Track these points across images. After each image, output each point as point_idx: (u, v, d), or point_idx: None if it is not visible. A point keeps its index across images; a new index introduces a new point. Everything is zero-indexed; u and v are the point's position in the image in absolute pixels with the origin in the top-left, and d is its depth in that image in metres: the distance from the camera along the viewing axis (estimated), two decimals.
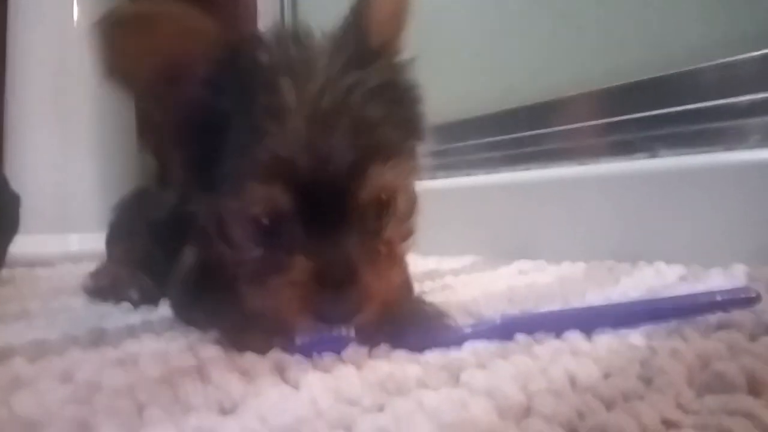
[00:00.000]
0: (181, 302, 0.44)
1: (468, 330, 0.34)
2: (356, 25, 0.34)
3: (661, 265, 0.61)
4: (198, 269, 0.42)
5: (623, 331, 0.33)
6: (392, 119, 0.31)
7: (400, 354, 0.32)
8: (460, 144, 0.97)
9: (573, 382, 0.27)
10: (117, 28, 0.30)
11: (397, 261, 0.34)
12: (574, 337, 0.33)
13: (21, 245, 1.14)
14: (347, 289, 0.29)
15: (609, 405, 0.24)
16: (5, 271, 0.88)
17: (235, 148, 0.30)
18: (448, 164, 0.98)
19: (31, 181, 1.25)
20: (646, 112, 0.73)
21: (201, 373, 0.30)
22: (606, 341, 0.32)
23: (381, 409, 0.24)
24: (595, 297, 0.47)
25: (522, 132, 0.87)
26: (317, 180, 0.29)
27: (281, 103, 0.29)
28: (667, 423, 0.22)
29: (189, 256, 0.44)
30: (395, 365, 0.29)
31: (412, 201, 0.35)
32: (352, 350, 0.32)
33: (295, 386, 0.28)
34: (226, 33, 0.32)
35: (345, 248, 0.30)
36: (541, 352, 0.31)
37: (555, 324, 0.34)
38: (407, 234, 0.35)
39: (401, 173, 0.32)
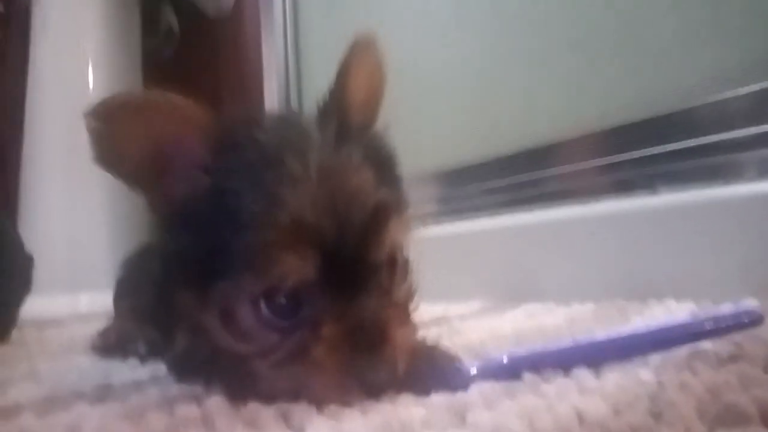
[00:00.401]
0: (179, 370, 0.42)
1: (474, 372, 0.34)
2: (336, 104, 0.35)
3: (672, 303, 0.61)
4: (191, 351, 0.39)
5: (631, 367, 0.33)
6: (386, 182, 0.33)
7: (406, 397, 0.31)
8: (463, 190, 0.98)
9: (581, 418, 0.26)
10: (105, 117, 0.30)
11: (410, 316, 0.34)
12: (582, 373, 0.32)
13: (32, 305, 1.15)
14: (383, 350, 0.29)
15: None
16: (15, 332, 0.89)
17: (246, 226, 0.29)
18: (452, 210, 0.99)
19: (43, 241, 1.27)
20: (645, 150, 0.74)
21: (206, 422, 0.30)
22: (614, 377, 0.31)
23: None
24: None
25: (523, 175, 0.88)
26: (341, 242, 0.29)
27: (290, 174, 0.30)
28: None
29: (180, 341, 0.41)
30: (400, 408, 0.29)
31: (407, 258, 0.36)
32: None
33: (300, 431, 0.27)
34: (218, 117, 0.33)
35: (372, 308, 0.30)
36: (548, 390, 0.30)
37: (562, 358, 0.33)
38: (413, 287, 0.36)
39: (405, 230, 0.33)
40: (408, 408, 0.29)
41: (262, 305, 0.30)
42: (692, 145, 0.69)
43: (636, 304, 0.63)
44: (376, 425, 0.27)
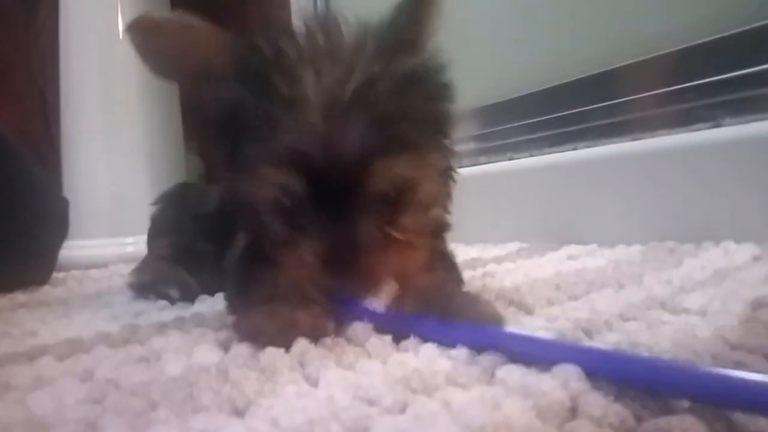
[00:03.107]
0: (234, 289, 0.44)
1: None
2: (399, 18, 0.35)
3: (730, 245, 0.55)
4: (249, 251, 0.42)
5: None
6: (413, 114, 0.32)
7: (430, 348, 0.29)
8: (502, 127, 0.92)
9: None
10: (137, 34, 0.35)
11: (417, 247, 0.34)
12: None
13: (78, 250, 1.19)
14: (351, 269, 0.31)
15: (671, 405, 0.21)
16: (61, 274, 0.92)
17: (255, 138, 0.32)
18: (490, 149, 0.93)
19: (87, 187, 1.30)
20: (707, 78, 0.66)
21: (220, 370, 0.29)
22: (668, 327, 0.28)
23: (402, 409, 0.22)
24: (654, 280, 0.43)
25: (567, 110, 0.82)
26: (326, 172, 0.31)
27: (300, 94, 0.31)
28: None
29: (241, 239, 0.44)
30: (423, 360, 0.27)
31: (436, 192, 0.36)
32: (378, 343, 0.29)
33: (314, 383, 0.26)
34: (238, 35, 0.35)
35: (352, 233, 0.31)
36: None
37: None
38: (431, 222, 0.36)
39: (417, 167, 0.33)
40: (431, 360, 0.26)
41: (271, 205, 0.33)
42: (761, 70, 0.61)
43: (689, 246, 0.58)
44: (394, 378, 0.25)
